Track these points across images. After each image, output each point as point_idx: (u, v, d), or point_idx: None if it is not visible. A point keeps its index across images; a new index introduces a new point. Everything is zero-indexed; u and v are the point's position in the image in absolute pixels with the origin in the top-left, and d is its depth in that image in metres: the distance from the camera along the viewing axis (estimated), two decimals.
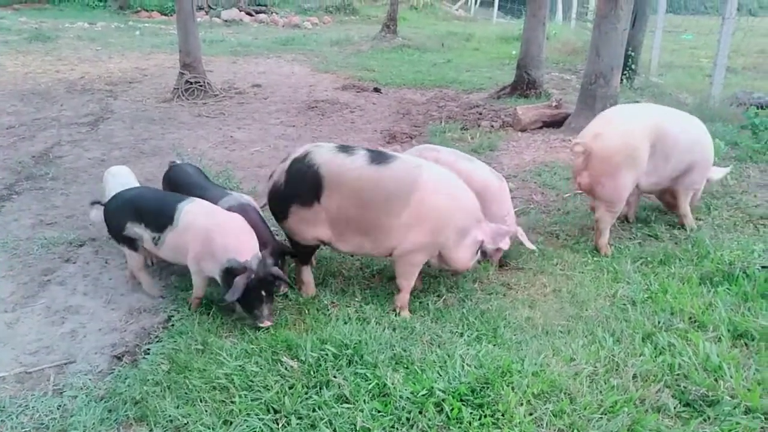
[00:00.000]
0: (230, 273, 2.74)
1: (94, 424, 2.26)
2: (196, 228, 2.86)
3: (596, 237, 3.74)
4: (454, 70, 11.30)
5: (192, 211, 2.92)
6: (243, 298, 2.73)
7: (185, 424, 2.23)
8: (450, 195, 2.91)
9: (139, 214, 3.03)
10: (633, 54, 8.58)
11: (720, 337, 2.67)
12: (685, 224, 3.99)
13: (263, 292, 2.77)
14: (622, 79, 6.92)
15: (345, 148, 3.00)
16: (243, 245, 2.80)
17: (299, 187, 2.95)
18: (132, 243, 3.10)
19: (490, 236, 3.07)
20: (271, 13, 21.01)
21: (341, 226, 2.96)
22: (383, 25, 16.09)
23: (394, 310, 3.02)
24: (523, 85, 8.37)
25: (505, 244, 3.22)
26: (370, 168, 2.86)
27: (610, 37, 6.08)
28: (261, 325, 2.77)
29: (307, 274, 3.21)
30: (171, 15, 17.86)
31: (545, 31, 8.58)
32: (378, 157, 2.92)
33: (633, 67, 8.68)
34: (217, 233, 2.82)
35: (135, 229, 3.04)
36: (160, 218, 2.96)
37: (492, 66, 11.92)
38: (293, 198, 2.98)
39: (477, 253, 3.12)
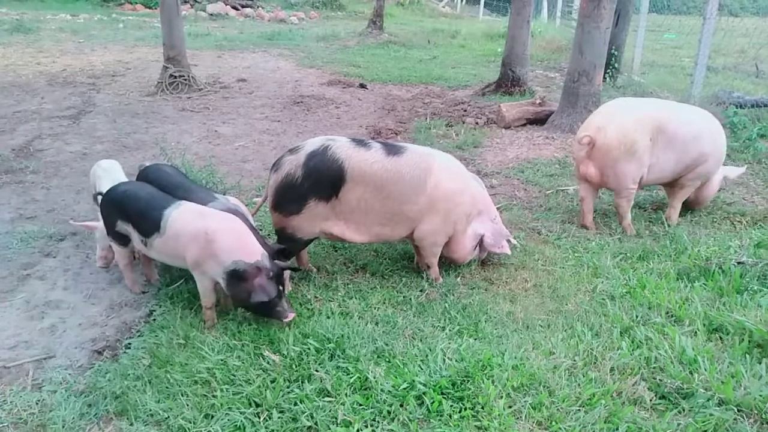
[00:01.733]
0: (236, 275, 2.65)
1: (73, 418, 2.25)
2: (190, 233, 2.73)
3: (620, 220, 4.02)
4: (440, 66, 11.32)
5: (180, 217, 2.78)
6: (253, 295, 2.66)
7: (166, 418, 2.23)
8: (459, 179, 3.14)
9: (128, 215, 2.94)
10: (616, 53, 8.67)
11: (696, 332, 2.72)
12: (671, 218, 4.09)
13: (280, 287, 2.72)
14: (605, 78, 7.01)
15: (360, 142, 3.04)
16: (248, 245, 2.71)
17: (320, 181, 2.92)
18: (122, 239, 3.03)
19: (491, 232, 3.21)
20: (257, 7, 20.87)
21: (358, 218, 3.02)
22: (370, 21, 16.08)
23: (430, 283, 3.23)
24: (508, 83, 8.42)
25: (505, 249, 3.33)
26: (388, 159, 2.97)
27: (593, 36, 6.14)
28: (286, 319, 2.69)
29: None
30: (155, 8, 17.68)
31: (530, 29, 8.63)
32: (392, 149, 3.03)
33: (616, 65, 8.77)
34: (217, 234, 2.69)
35: (125, 227, 2.97)
36: (146, 223, 2.85)
37: (477, 63, 11.97)
38: (311, 193, 2.94)
39: (476, 247, 3.23)
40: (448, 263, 3.41)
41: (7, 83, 8.32)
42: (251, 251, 2.68)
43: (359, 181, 2.93)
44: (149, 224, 2.83)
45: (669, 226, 4.02)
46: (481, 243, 3.32)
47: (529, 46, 8.67)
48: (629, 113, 3.77)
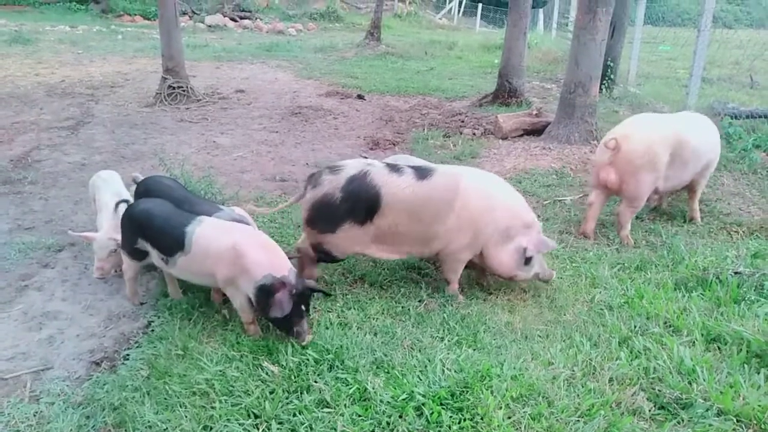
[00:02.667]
0: (265, 290, 2.61)
1: (71, 430, 2.24)
2: (219, 250, 2.70)
3: (619, 230, 4.06)
4: (437, 77, 11.40)
5: (205, 234, 2.76)
6: (273, 308, 2.61)
7: (164, 429, 2.22)
8: (488, 197, 3.13)
9: (147, 234, 2.91)
10: (612, 64, 8.74)
11: (694, 342, 2.73)
12: (695, 218, 4.36)
13: (302, 307, 2.66)
14: (601, 89, 7.05)
15: (393, 167, 3.11)
16: (277, 259, 2.68)
17: (357, 205, 2.97)
18: (139, 255, 3.01)
19: (534, 244, 3.18)
20: (256, 18, 21.00)
21: (390, 239, 3.09)
22: (367, 32, 16.20)
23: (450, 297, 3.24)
24: (505, 94, 8.47)
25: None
26: (419, 184, 3.03)
27: (588, 48, 6.19)
28: (303, 342, 2.63)
29: (314, 272, 3.29)
30: (154, 19, 17.78)
31: (526, 41, 8.71)
32: (422, 173, 3.08)
33: (612, 77, 8.84)
34: (248, 249, 2.66)
35: (145, 245, 2.95)
36: (168, 242, 2.82)
37: (474, 74, 12.05)
38: (347, 216, 2.99)
39: (522, 260, 3.16)
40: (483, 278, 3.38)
41: (6, 94, 8.33)
42: (280, 265, 2.66)
43: (393, 207, 3.00)
44: (171, 243, 2.80)
45: (696, 224, 4.26)
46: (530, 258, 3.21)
47: (525, 58, 8.75)
48: (655, 127, 3.95)
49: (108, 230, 3.28)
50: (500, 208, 3.12)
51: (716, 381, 2.41)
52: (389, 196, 2.98)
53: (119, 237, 3.22)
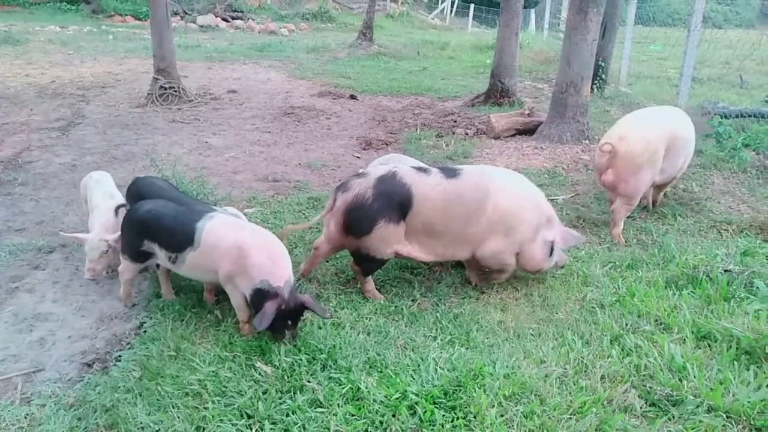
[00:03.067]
0: (260, 294, 2.61)
1: None
2: (225, 247, 2.71)
3: (612, 227, 4.08)
4: (430, 78, 11.41)
5: (215, 230, 2.77)
6: (272, 324, 2.58)
7: (157, 430, 2.21)
8: (518, 197, 3.17)
9: (154, 234, 2.89)
10: (603, 64, 8.79)
11: (684, 339, 2.75)
12: (657, 202, 4.58)
13: (289, 322, 2.65)
14: (592, 89, 7.09)
15: (420, 168, 3.16)
16: (277, 267, 2.66)
17: (389, 204, 2.99)
18: (141, 257, 3.00)
19: (561, 236, 3.27)
20: (248, 19, 20.94)
21: (424, 239, 3.10)
22: (359, 32, 16.19)
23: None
24: (497, 94, 8.50)
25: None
26: (449, 182, 3.06)
27: (580, 48, 6.22)
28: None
29: (371, 283, 3.26)
30: (145, 20, 17.70)
31: (518, 41, 8.74)
32: (450, 172, 3.12)
33: (603, 76, 8.89)
34: (252, 250, 2.66)
35: (151, 246, 2.93)
36: (177, 239, 2.81)
37: (466, 74, 12.08)
38: (380, 214, 3.00)
39: (550, 253, 3.25)
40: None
41: None
42: (279, 274, 2.64)
43: (424, 205, 3.02)
44: (181, 239, 2.79)
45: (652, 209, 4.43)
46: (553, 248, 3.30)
47: (517, 58, 8.78)
48: (649, 125, 4.01)
49: (100, 231, 3.26)
50: (529, 207, 3.17)
51: (706, 378, 2.43)
52: (420, 194, 3.01)
53: (111, 238, 3.20)
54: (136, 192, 3.37)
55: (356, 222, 3.04)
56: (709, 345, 2.72)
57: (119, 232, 3.25)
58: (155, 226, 2.90)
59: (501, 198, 3.10)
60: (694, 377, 2.42)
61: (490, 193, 3.08)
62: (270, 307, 2.56)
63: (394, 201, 3.00)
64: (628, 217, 4.44)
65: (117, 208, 3.33)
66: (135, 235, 2.97)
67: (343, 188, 3.10)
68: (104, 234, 3.24)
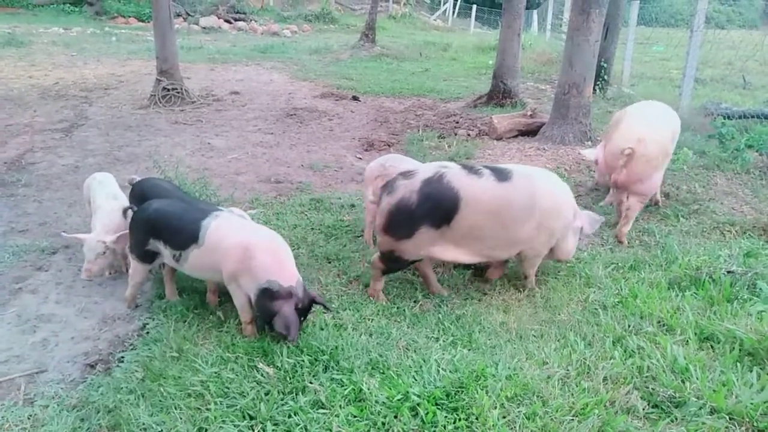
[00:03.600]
0: (267, 294, 2.62)
1: None
2: (229, 246, 2.71)
3: (623, 225, 4.08)
4: (432, 79, 11.42)
5: (220, 229, 2.78)
6: (276, 319, 2.62)
7: (159, 431, 2.21)
8: (557, 196, 3.21)
9: (161, 232, 2.90)
10: (605, 65, 8.78)
11: (687, 340, 2.75)
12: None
13: (301, 317, 2.69)
14: (595, 90, 7.09)
15: (471, 168, 3.06)
16: (285, 267, 2.67)
17: (435, 209, 2.92)
18: (148, 257, 3.00)
19: (588, 222, 3.36)
20: (250, 20, 20.98)
21: (469, 242, 3.05)
22: (362, 34, 16.21)
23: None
24: (499, 95, 8.50)
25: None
26: (500, 186, 3.00)
27: (582, 49, 6.22)
28: (289, 342, 2.63)
29: (382, 283, 3.24)
30: (148, 21, 17.74)
31: (520, 42, 8.74)
32: (501, 174, 3.05)
33: (605, 77, 8.89)
34: (258, 250, 2.67)
35: (157, 245, 2.93)
36: (182, 236, 2.82)
37: (469, 75, 12.08)
38: (424, 219, 2.94)
39: (578, 237, 3.42)
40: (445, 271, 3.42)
41: None
42: (288, 274, 2.65)
43: (473, 209, 2.95)
44: (185, 237, 2.81)
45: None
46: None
47: (519, 59, 8.77)
48: (660, 124, 4.04)
49: (99, 232, 3.27)
50: (565, 206, 3.23)
51: (709, 379, 2.43)
52: (469, 198, 2.93)
53: (109, 239, 3.22)
54: (140, 193, 3.38)
55: (398, 226, 2.98)
56: (712, 346, 2.72)
57: (118, 234, 3.26)
58: (161, 224, 2.91)
59: (545, 200, 3.10)
60: (697, 379, 2.42)
61: (536, 196, 3.07)
62: (289, 310, 2.57)
63: (440, 206, 2.92)
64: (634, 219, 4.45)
65: (125, 211, 3.32)
66: (141, 234, 2.98)
67: (388, 189, 3.02)
68: (103, 235, 3.25)
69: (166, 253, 2.92)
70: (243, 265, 2.67)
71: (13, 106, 7.86)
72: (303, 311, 2.68)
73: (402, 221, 2.96)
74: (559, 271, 3.61)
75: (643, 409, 2.31)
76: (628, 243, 4.02)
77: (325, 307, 2.83)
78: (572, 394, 2.38)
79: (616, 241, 4.07)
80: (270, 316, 2.64)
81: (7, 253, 3.72)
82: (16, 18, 18.40)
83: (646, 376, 2.49)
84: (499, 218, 3.01)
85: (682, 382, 2.43)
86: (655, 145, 3.90)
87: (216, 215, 2.85)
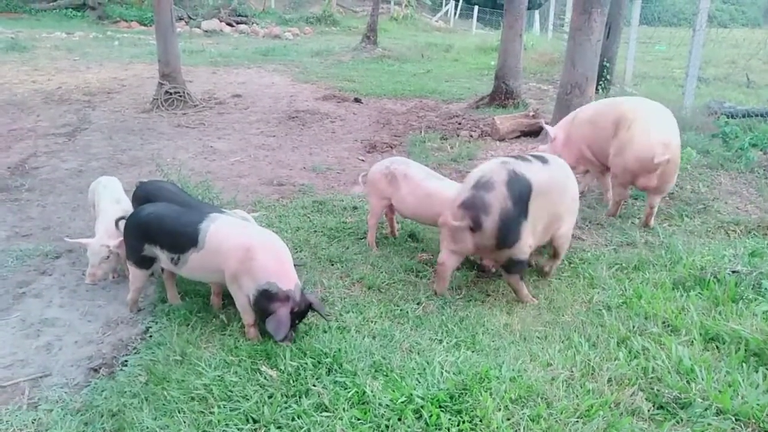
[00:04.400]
0: (264, 296, 2.64)
1: None
2: (231, 247, 2.72)
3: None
4: (434, 80, 11.42)
5: (220, 231, 2.78)
6: (271, 321, 2.63)
7: None
8: (572, 174, 3.44)
9: (156, 237, 2.90)
10: (608, 65, 8.76)
11: (692, 341, 2.73)
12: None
13: (296, 321, 2.71)
14: (597, 89, 7.07)
15: (521, 158, 3.22)
16: (284, 269, 2.69)
17: (522, 204, 3.03)
18: (145, 263, 3.00)
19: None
20: (252, 23, 21.03)
21: (536, 226, 3.16)
22: (364, 36, 16.23)
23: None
24: (502, 95, 8.49)
25: None
26: (546, 168, 3.21)
27: (584, 48, 6.19)
28: (280, 341, 2.66)
29: (526, 288, 3.33)
30: (150, 25, 17.79)
31: (522, 43, 8.73)
32: (541, 159, 3.27)
33: (608, 77, 8.86)
34: (259, 251, 2.68)
35: (153, 250, 2.93)
36: (179, 240, 2.82)
37: (471, 76, 12.07)
38: (521, 218, 3.02)
39: None
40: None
41: (3, 101, 8.33)
42: (287, 277, 2.67)
43: (538, 192, 3.08)
44: (183, 240, 2.80)
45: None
46: None
47: (521, 59, 8.77)
48: (674, 123, 4.10)
49: (102, 237, 3.27)
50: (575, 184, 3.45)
51: (715, 380, 2.41)
52: (535, 183, 3.07)
53: (112, 243, 3.22)
54: (143, 197, 3.37)
55: (508, 236, 3.01)
56: (717, 347, 2.70)
57: (121, 238, 3.26)
58: (156, 228, 2.90)
59: (572, 178, 3.36)
60: (703, 380, 2.40)
61: (569, 175, 3.33)
62: (284, 313, 2.59)
63: (524, 200, 3.04)
64: (636, 217, 4.44)
65: (117, 221, 3.28)
66: (136, 239, 2.97)
67: (480, 210, 2.97)
68: (106, 239, 3.25)
69: (164, 257, 2.92)
70: (244, 266, 2.68)
71: (17, 110, 7.89)
72: (299, 315, 2.70)
73: (512, 228, 3.01)
74: (562, 272, 3.60)
75: (649, 411, 2.30)
76: (632, 243, 4.00)
77: (321, 315, 2.82)
78: (577, 396, 2.36)
79: (620, 241, 4.04)
80: (264, 315, 2.66)
81: (10, 258, 3.72)
82: (19, 23, 18.48)
83: (651, 377, 2.47)
84: (551, 198, 3.18)
85: (688, 383, 2.41)
86: (678, 148, 4.02)
87: (213, 218, 2.85)
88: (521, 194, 3.00)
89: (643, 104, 4.27)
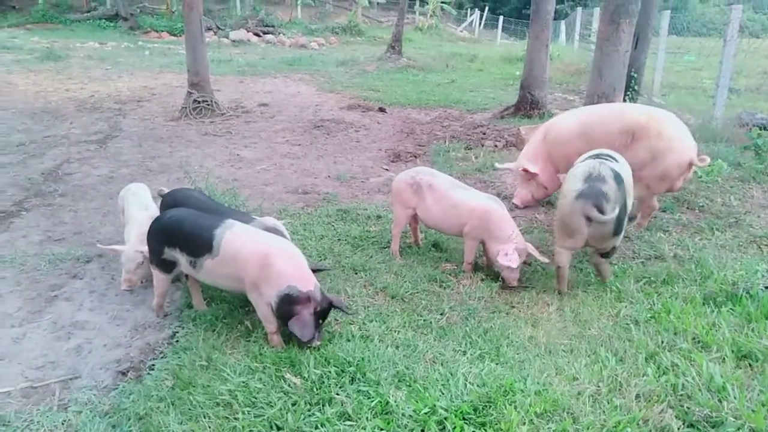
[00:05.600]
0: (287, 300, 2.67)
1: None
2: (248, 255, 2.75)
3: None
4: (458, 90, 11.42)
5: (236, 239, 2.81)
6: (295, 323, 2.67)
7: None
8: None
9: (175, 240, 2.95)
10: (636, 75, 8.65)
11: (724, 358, 2.66)
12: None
13: (320, 320, 2.75)
14: (625, 100, 6.98)
15: (602, 157, 3.47)
16: (303, 272, 2.73)
17: (623, 194, 3.26)
18: (167, 266, 3.04)
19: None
20: (279, 33, 21.35)
21: None
22: (388, 46, 16.33)
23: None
24: (527, 106, 8.44)
25: (514, 262, 3.43)
26: (624, 166, 3.44)
27: (612, 59, 6.14)
28: (310, 343, 2.71)
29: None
30: (180, 35, 18.19)
31: (548, 53, 8.69)
32: (613, 157, 3.50)
33: (636, 87, 8.75)
34: (276, 258, 2.71)
35: (172, 254, 2.98)
36: (195, 245, 2.86)
37: (495, 86, 12.04)
38: (625, 205, 3.27)
39: None
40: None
41: (38, 109, 8.58)
42: (306, 280, 2.70)
43: (626, 185, 3.34)
44: (199, 245, 2.85)
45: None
46: None
47: (547, 69, 8.72)
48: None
49: (135, 243, 3.34)
50: None
51: (748, 399, 2.34)
52: (624, 176, 3.34)
53: (146, 249, 3.28)
54: (171, 204, 3.43)
55: (621, 223, 3.26)
56: (750, 365, 2.63)
57: None
58: (177, 231, 2.96)
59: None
60: (735, 398, 2.34)
61: (629, 170, 3.52)
62: (306, 314, 2.62)
63: (622, 191, 3.25)
64: (664, 230, 4.36)
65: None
66: (157, 243, 3.03)
67: (604, 198, 3.17)
68: (140, 246, 3.32)
69: (183, 261, 2.96)
70: (263, 273, 2.70)
71: (51, 118, 8.12)
72: (321, 314, 2.75)
73: (622, 216, 3.26)
74: (589, 285, 3.55)
75: (678, 429, 2.24)
76: (661, 256, 3.92)
77: (343, 310, 2.88)
78: (603, 412, 2.32)
79: (648, 254, 3.97)
80: (287, 319, 2.69)
81: (43, 261, 3.82)
82: (54, 33, 19.06)
83: (681, 395, 2.41)
84: (628, 191, 3.37)
85: (719, 401, 2.35)
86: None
87: (229, 225, 2.88)
88: (620, 186, 3.23)
89: (654, 111, 4.28)
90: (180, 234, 2.94)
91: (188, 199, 3.39)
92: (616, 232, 3.27)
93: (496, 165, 5.01)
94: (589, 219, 3.18)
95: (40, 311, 3.27)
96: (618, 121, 4.16)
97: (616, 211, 3.15)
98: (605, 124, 4.22)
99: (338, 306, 2.82)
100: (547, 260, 3.62)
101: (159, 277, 3.12)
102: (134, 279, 3.35)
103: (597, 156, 3.47)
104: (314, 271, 3.02)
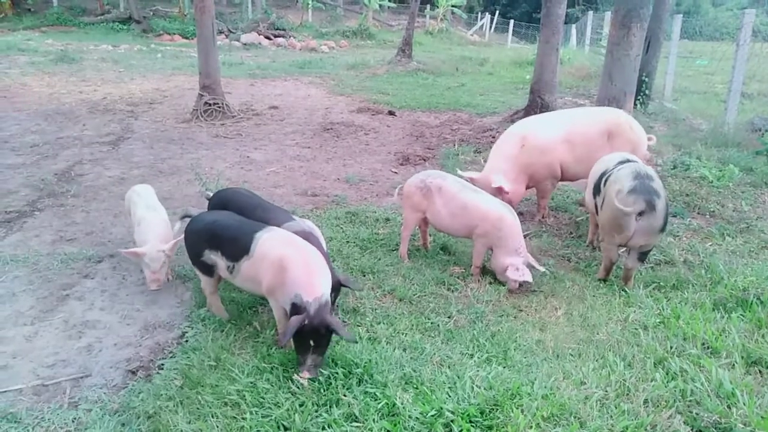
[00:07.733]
0: (295, 309, 2.59)
1: None
2: (271, 258, 2.73)
3: None
4: (468, 93, 11.41)
5: (267, 241, 2.79)
6: (294, 340, 2.57)
7: None
8: None
9: (217, 243, 2.94)
10: (647, 79, 8.62)
11: (733, 364, 2.65)
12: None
13: (311, 341, 2.53)
14: (636, 104, 6.97)
15: (628, 159, 3.67)
16: (313, 282, 2.62)
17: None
18: (207, 269, 3.04)
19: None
20: (289, 36, 21.44)
21: None
22: (399, 49, 16.35)
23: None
24: (537, 109, 8.40)
25: (528, 276, 3.46)
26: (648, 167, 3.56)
27: (622, 63, 6.13)
28: (298, 376, 2.52)
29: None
30: (192, 38, 18.33)
31: (558, 57, 8.67)
32: (631, 159, 3.70)
33: (647, 92, 8.71)
34: (291, 264, 2.67)
35: (212, 256, 2.98)
36: (236, 247, 2.85)
37: (505, 90, 12.02)
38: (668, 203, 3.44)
39: None
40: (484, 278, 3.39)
41: (51, 111, 8.68)
42: (311, 290, 2.60)
43: None
44: (239, 248, 2.84)
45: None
46: None
47: (557, 74, 8.70)
48: None
49: (155, 243, 3.38)
50: None
51: (757, 405, 2.33)
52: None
53: (167, 247, 3.32)
54: (221, 204, 3.42)
55: (667, 219, 3.38)
56: (759, 371, 2.61)
57: (173, 242, 3.37)
58: (219, 234, 2.95)
59: None
60: (744, 404, 2.32)
61: None
62: (293, 322, 2.52)
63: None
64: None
65: (182, 218, 3.44)
66: (197, 245, 3.03)
67: (654, 194, 3.29)
68: (160, 245, 3.36)
69: (222, 265, 2.94)
70: (278, 279, 2.69)
71: (64, 119, 8.21)
72: (313, 332, 2.52)
73: (668, 213, 3.41)
74: (597, 289, 3.53)
75: None
76: (671, 262, 3.91)
77: (340, 336, 2.57)
78: (611, 417, 2.32)
79: (658, 259, 3.96)
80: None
81: (56, 261, 3.87)
82: (68, 36, 19.27)
83: (690, 400, 2.40)
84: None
85: (728, 407, 2.34)
86: None
87: (270, 229, 2.87)
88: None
89: (616, 110, 4.73)
90: (223, 238, 2.92)
91: (234, 195, 3.46)
92: (664, 227, 3.35)
93: (458, 172, 4.50)
94: (640, 214, 3.26)
95: (51, 310, 3.31)
96: (595, 123, 4.39)
97: (664, 204, 3.29)
98: (584, 127, 4.40)
99: (336, 330, 2.54)
100: (543, 269, 3.61)
101: (204, 280, 3.12)
102: (161, 278, 3.40)
103: (626, 159, 3.61)
104: (342, 285, 3.01)
